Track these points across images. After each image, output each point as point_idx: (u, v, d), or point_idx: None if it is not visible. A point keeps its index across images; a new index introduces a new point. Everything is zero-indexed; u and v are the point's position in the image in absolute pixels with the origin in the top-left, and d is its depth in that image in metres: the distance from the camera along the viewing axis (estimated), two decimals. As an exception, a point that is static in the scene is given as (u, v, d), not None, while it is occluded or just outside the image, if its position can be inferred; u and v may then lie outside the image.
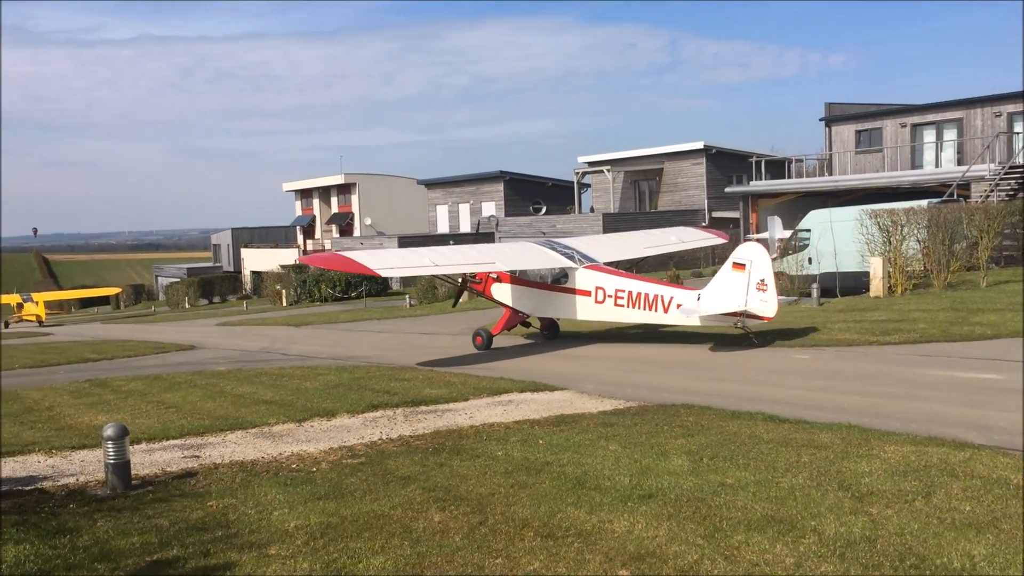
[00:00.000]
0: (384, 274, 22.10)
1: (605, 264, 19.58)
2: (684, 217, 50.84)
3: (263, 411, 12.78)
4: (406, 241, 53.40)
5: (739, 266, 16.42)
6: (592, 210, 57.33)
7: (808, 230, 27.64)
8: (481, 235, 55.19)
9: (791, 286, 25.29)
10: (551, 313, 20.01)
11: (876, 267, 24.41)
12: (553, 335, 20.99)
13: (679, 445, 9.34)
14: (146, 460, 10.00)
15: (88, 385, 17.07)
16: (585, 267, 18.90)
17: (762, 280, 16.31)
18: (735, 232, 46.94)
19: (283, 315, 39.66)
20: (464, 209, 63.66)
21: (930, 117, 42.29)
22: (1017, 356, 14.06)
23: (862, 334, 17.34)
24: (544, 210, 60.02)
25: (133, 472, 9.01)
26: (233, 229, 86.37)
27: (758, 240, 42.96)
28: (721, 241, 25.22)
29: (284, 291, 51.14)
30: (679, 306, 17.37)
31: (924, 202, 26.80)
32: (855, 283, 25.44)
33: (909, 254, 24.61)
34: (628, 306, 18.01)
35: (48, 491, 8.84)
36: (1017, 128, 37.72)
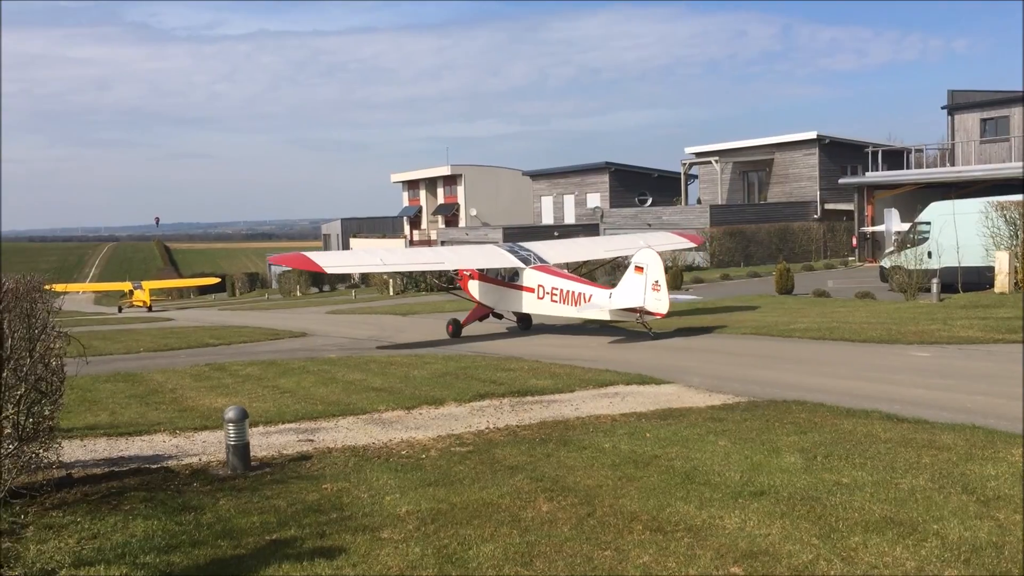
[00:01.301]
0: (331, 271, 25.62)
1: (557, 265, 22.28)
2: (795, 209, 49.63)
3: (373, 398, 13.06)
4: (511, 232, 53.68)
5: (639, 269, 18.76)
6: (699, 202, 56.50)
7: (928, 223, 26.58)
8: (588, 227, 55.01)
9: (908, 280, 24.38)
10: (507, 307, 22.47)
11: (1002, 262, 23.33)
12: (526, 326, 23.22)
13: (791, 442, 9.13)
14: (263, 443, 10.35)
15: (208, 369, 17.76)
16: (532, 267, 21.43)
17: (656, 282, 18.57)
18: (848, 224, 45.60)
19: (390, 304, 40.43)
20: (569, 200, 63.61)
21: (1063, 104, 40.08)
22: None
23: (986, 331, 16.61)
24: (650, 201, 59.45)
25: (252, 454, 9.34)
26: (343, 219, 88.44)
27: (873, 233, 41.69)
28: (692, 245, 27.60)
29: (391, 280, 52.10)
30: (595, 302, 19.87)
31: (1055, 194, 25.42)
32: (978, 278, 24.38)
33: (1038, 248, 23.40)
34: (560, 302, 20.66)
35: (173, 470, 9.24)
36: None
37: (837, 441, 9.08)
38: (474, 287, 23.12)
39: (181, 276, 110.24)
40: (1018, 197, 25.05)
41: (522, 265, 21.54)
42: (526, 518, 7.17)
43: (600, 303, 19.61)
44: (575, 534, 6.74)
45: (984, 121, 43.26)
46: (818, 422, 10.04)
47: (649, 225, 49.46)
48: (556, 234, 50.33)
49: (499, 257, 22.33)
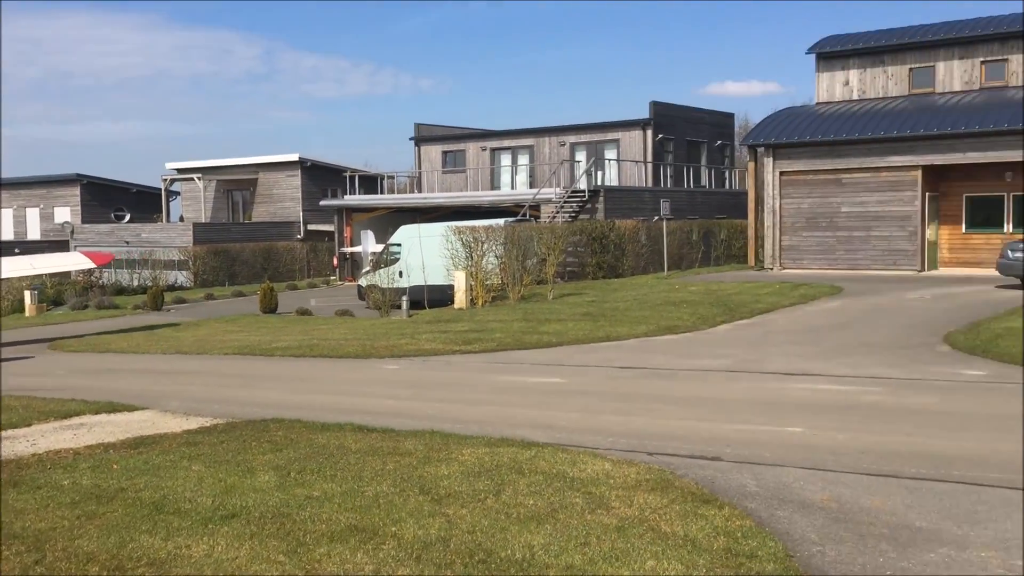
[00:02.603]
0: None
1: None
2: (280, 229, 50.34)
3: None
4: (-41, 248, 46.79)
5: None
6: (182, 219, 54.63)
7: (399, 244, 28.76)
8: (57, 243, 50.08)
9: (382, 298, 26.06)
10: None
11: (460, 280, 25.99)
12: None
13: (267, 460, 9.17)
14: None
15: None
16: None
17: None
18: (330, 245, 47.44)
19: None
20: (33, 214, 57.37)
21: (507, 143, 46.13)
22: (576, 361, 15.77)
23: (446, 344, 18.34)
24: (128, 218, 55.99)
25: None
26: None
27: (352, 253, 43.85)
28: (93, 264, 27.93)
29: None
30: None
31: (502, 221, 29.14)
32: (442, 296, 26.89)
33: (488, 268, 26.55)
34: None
35: None
36: (578, 157, 42.48)
37: (311, 456, 9.33)
38: None
39: None
40: (474, 223, 28.20)
41: None
42: (-41, 577, 6.25)
43: None
44: (20, 587, 6.03)
45: (445, 153, 48.08)
46: (294, 438, 10.22)
47: (127, 243, 46.69)
48: (17, 251, 45.02)
49: None
